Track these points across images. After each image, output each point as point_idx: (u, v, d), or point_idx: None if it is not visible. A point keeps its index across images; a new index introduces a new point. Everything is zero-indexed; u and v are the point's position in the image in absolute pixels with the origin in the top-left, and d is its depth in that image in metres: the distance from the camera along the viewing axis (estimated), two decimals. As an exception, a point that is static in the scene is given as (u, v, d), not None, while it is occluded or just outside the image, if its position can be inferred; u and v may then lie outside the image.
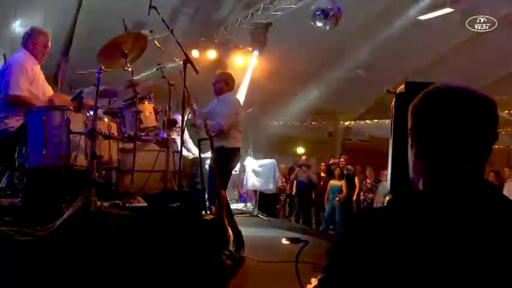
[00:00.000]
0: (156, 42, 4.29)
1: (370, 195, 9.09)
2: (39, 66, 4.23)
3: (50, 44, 4.30)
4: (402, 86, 3.71)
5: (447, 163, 1.01)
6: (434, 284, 0.89)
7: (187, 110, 4.64)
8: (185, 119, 4.48)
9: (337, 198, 9.34)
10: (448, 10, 8.96)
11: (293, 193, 10.90)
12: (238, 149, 5.11)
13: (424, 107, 1.05)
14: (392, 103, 3.73)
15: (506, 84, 11.41)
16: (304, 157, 11.66)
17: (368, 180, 9.32)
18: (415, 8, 8.88)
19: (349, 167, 10.28)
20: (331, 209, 9.51)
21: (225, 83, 5.15)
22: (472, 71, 11.12)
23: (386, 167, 4.03)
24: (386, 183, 3.92)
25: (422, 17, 9.13)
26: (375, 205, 8.71)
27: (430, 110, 1.03)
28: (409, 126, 1.09)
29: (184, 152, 5.83)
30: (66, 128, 3.56)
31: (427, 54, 11.23)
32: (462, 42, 10.44)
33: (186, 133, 5.93)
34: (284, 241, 5.61)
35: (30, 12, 7.80)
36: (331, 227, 9.68)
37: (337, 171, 9.73)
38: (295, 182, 10.62)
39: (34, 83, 4.10)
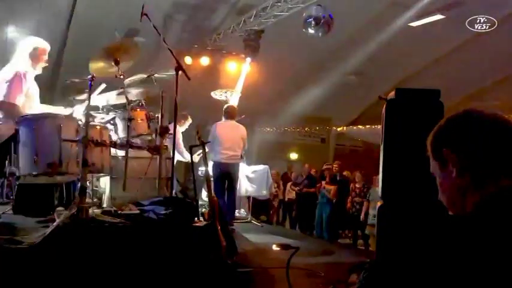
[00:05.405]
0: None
1: (358, 199, 9.05)
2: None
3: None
4: (393, 93, 3.76)
5: (495, 177, 1.11)
6: None
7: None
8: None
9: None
10: (439, 17, 9.07)
11: (286, 199, 10.90)
12: (217, 163, 6.07)
13: (467, 131, 1.16)
14: (384, 109, 3.77)
15: (496, 91, 11.54)
16: (306, 165, 11.29)
17: (357, 185, 9.28)
18: (407, 15, 8.97)
19: (345, 173, 10.26)
20: (321, 213, 9.48)
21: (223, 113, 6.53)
22: (461, 77, 11.24)
23: (378, 173, 4.04)
24: (378, 189, 3.93)
25: (414, 24, 9.23)
26: (363, 210, 8.67)
27: (475, 132, 1.14)
28: (446, 150, 1.17)
29: (178, 157, 5.85)
30: (57, 135, 3.54)
31: (419, 60, 11.33)
32: (452, 49, 10.56)
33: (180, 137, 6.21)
34: (275, 247, 5.61)
35: (24, 18, 7.79)
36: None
37: (328, 177, 9.71)
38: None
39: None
